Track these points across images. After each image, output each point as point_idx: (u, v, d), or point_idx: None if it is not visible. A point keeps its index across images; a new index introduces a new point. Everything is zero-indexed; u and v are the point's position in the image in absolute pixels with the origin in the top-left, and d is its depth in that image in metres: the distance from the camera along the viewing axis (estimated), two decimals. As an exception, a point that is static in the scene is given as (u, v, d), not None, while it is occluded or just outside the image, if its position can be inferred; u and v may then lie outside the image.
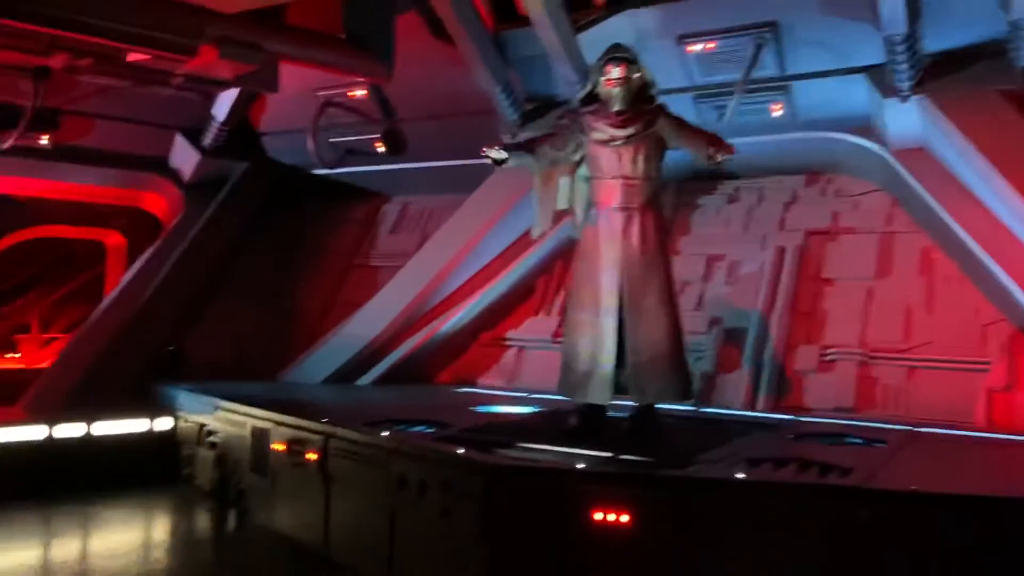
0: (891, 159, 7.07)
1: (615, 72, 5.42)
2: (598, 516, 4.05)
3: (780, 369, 7.12)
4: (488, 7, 8.04)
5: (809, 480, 4.07)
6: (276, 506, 6.09)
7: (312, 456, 5.53)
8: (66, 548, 6.27)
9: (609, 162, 5.43)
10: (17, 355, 10.65)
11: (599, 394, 5.33)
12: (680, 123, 5.49)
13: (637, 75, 5.48)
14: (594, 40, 7.27)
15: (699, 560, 3.97)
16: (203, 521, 6.93)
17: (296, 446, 5.73)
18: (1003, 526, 3.74)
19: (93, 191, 10.10)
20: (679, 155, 5.65)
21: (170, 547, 6.44)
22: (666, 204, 5.67)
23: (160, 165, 10.25)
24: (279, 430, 5.98)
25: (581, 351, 5.41)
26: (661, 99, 5.76)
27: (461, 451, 4.60)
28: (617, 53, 5.52)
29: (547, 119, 8.13)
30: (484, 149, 5.42)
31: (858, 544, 3.77)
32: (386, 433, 5.13)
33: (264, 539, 6.24)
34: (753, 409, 6.91)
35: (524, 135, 7.77)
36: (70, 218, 10.46)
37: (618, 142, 5.39)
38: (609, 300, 5.33)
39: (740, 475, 4.12)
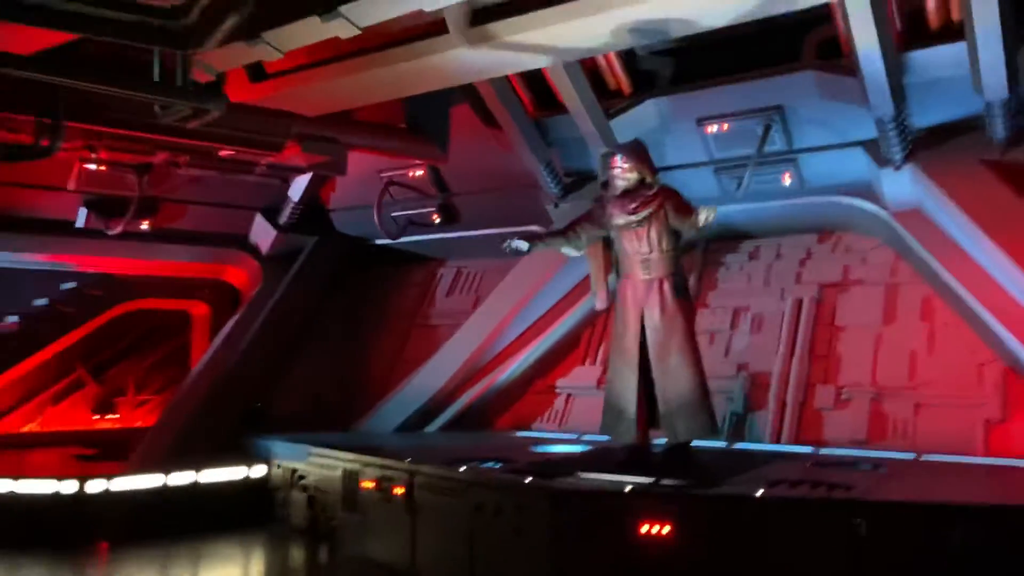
0: (891, 219, 7.95)
1: (618, 165, 6.43)
2: (644, 528, 5.02)
3: (801, 407, 8.00)
4: (530, 96, 9.14)
5: (815, 495, 5.01)
6: (367, 537, 7.11)
7: (399, 491, 6.56)
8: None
9: (629, 242, 6.50)
10: (116, 416, 11.89)
11: (624, 435, 6.39)
12: (676, 203, 6.34)
13: (631, 169, 6.38)
14: (624, 124, 8.43)
15: (729, 561, 4.90)
16: (298, 555, 7.96)
17: (384, 483, 6.77)
18: (980, 529, 4.60)
19: (184, 267, 11.47)
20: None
21: (270, 576, 7.48)
22: (692, 267, 6.58)
23: (241, 242, 11.57)
24: (368, 470, 7.03)
25: (613, 398, 6.48)
26: (682, 175, 6.75)
27: (528, 480, 5.61)
28: (616, 148, 6.56)
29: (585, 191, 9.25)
30: (506, 243, 6.43)
31: (855, 545, 4.69)
32: (463, 468, 6.16)
33: (356, 565, 7.24)
34: (779, 443, 7.79)
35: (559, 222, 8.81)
36: (162, 291, 11.81)
37: (633, 226, 6.43)
38: (632, 356, 6.34)
39: (759, 492, 5.07)
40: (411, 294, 11.67)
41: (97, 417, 11.70)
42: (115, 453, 9.56)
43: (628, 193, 6.44)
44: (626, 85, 8.65)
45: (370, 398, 10.33)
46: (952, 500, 4.89)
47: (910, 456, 6.89)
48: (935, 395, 7.50)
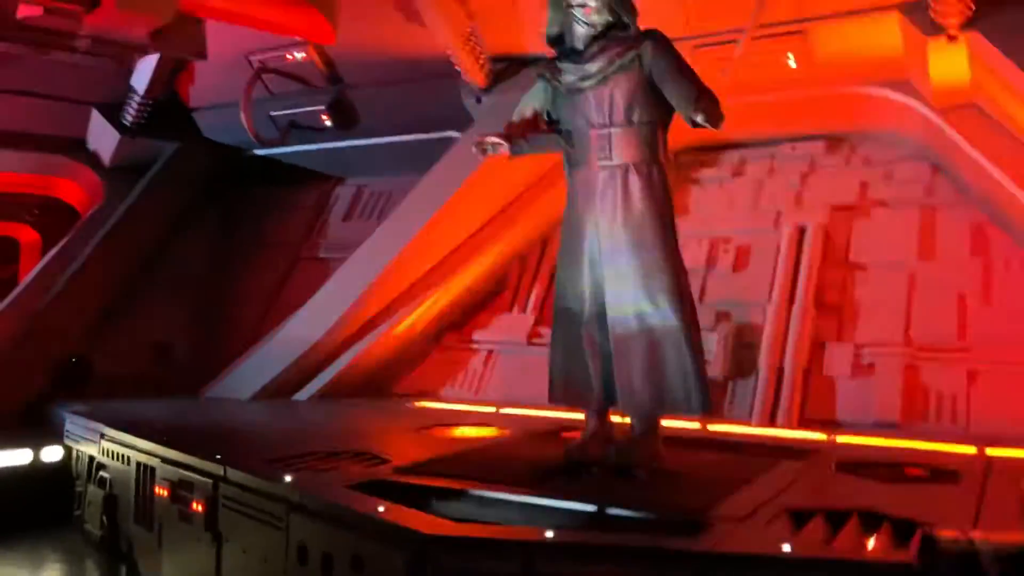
0: (932, 116, 5.88)
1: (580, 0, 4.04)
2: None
3: (805, 374, 5.81)
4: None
5: (878, 557, 2.74)
6: (162, 567, 4.70)
7: (198, 507, 4.16)
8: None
9: (583, 109, 4.13)
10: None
11: (577, 399, 4.33)
12: (670, 61, 4.00)
13: (602, 6, 4.05)
14: (570, -22, 5.96)
15: None
16: (91, 577, 5.56)
17: (182, 491, 4.36)
18: None
19: (-3, 178, 8.75)
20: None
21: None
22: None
23: (76, 147, 8.93)
24: (164, 468, 4.60)
25: (558, 350, 4.35)
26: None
27: (381, 508, 3.24)
28: None
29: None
30: (479, 139, 4.26)
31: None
32: (289, 478, 3.76)
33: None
34: (773, 425, 5.58)
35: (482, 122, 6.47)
36: (-28, 211, 9.08)
37: (590, 81, 4.09)
38: (581, 283, 4.20)
39: (786, 547, 2.79)
40: (299, 220, 9.21)
41: None
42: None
43: (594, 40, 4.06)
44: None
45: (235, 353, 7.87)
46: None
47: (970, 450, 4.69)
48: (995, 359, 5.36)
